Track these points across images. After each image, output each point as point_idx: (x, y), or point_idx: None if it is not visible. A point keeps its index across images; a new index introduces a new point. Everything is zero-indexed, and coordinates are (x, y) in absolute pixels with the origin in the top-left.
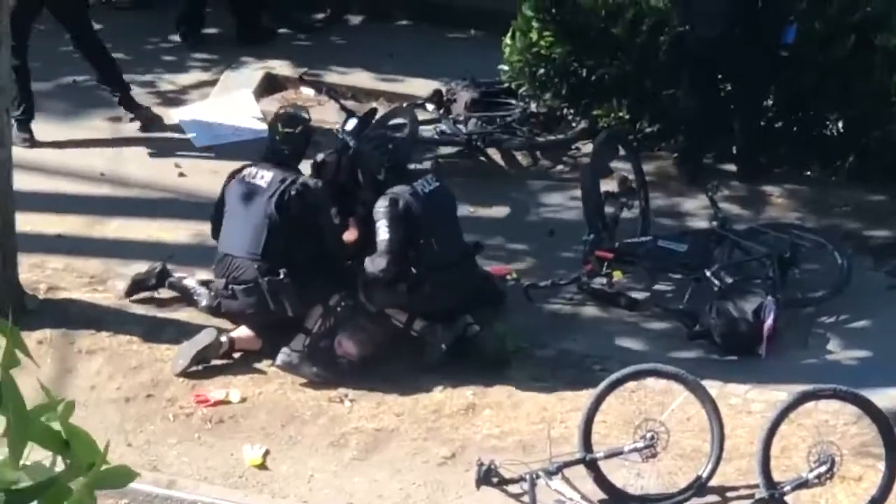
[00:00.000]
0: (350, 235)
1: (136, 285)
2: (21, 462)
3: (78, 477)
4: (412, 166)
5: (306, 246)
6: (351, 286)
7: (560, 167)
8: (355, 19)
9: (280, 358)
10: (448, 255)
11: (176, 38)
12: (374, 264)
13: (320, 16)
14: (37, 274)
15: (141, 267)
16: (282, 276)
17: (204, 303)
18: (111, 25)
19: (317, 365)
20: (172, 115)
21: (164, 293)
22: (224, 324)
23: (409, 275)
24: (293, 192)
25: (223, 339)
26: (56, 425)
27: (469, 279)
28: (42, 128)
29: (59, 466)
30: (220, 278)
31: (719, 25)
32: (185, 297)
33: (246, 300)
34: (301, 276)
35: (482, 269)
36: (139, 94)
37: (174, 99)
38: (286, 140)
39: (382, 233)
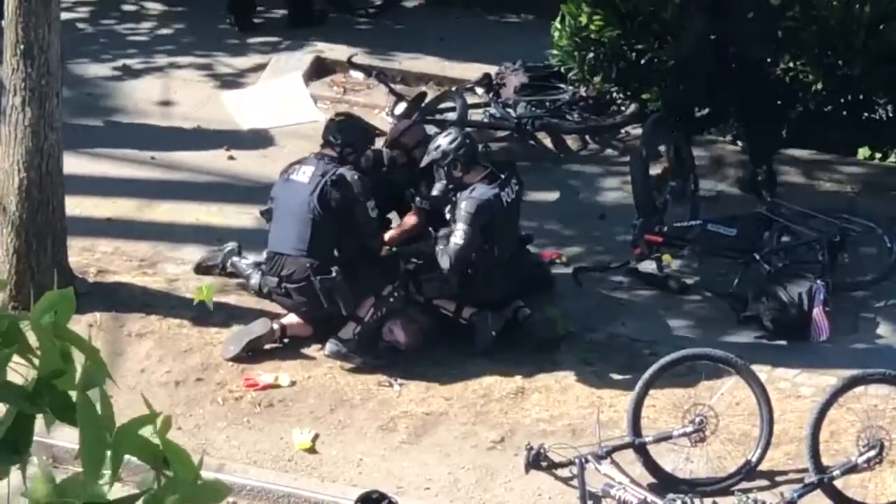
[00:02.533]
0: (410, 220)
1: (204, 264)
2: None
3: (174, 493)
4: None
5: (352, 240)
6: (400, 277)
7: (610, 151)
8: (407, 3)
9: (329, 347)
10: (504, 254)
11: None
12: (441, 262)
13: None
14: (87, 257)
15: (192, 251)
16: (334, 275)
17: (252, 282)
18: (170, 6)
19: (366, 353)
20: (224, 99)
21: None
22: (274, 307)
23: (464, 273)
24: (330, 183)
25: (275, 326)
26: (155, 439)
27: (520, 271)
28: (92, 111)
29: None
30: (271, 276)
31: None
32: (242, 277)
33: (299, 299)
34: (352, 272)
35: (534, 256)
36: (196, 77)
37: (231, 82)
38: (332, 128)
39: (459, 237)
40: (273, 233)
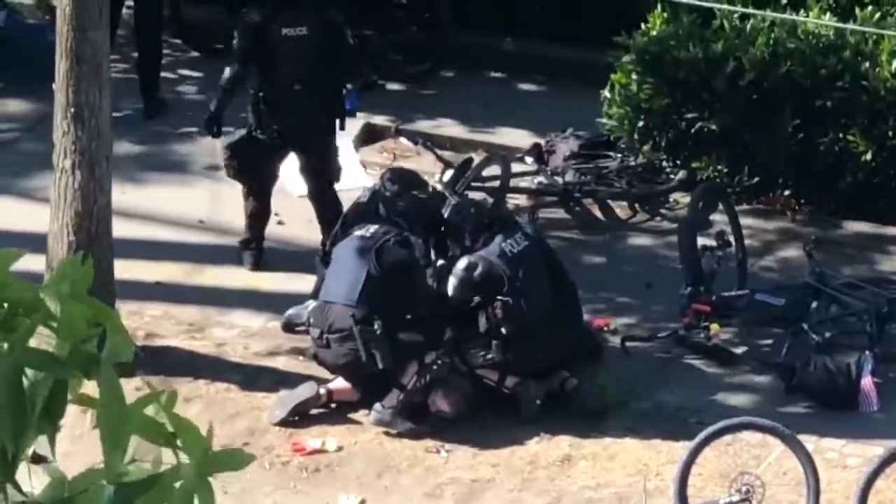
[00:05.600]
0: None
1: (291, 322)
2: (127, 458)
3: (187, 469)
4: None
5: (402, 301)
6: (444, 344)
7: (658, 219)
8: (449, 72)
9: (373, 415)
10: (540, 313)
11: None
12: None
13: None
14: (135, 321)
15: (240, 315)
16: (375, 327)
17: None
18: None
19: (410, 421)
20: None
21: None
22: (322, 372)
23: (500, 334)
24: (393, 243)
25: (322, 391)
26: (161, 417)
27: (563, 336)
28: (141, 175)
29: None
30: (316, 328)
31: None
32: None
33: (339, 349)
34: (395, 330)
35: (583, 324)
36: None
37: None
38: (397, 195)
39: (448, 288)
40: (326, 284)
